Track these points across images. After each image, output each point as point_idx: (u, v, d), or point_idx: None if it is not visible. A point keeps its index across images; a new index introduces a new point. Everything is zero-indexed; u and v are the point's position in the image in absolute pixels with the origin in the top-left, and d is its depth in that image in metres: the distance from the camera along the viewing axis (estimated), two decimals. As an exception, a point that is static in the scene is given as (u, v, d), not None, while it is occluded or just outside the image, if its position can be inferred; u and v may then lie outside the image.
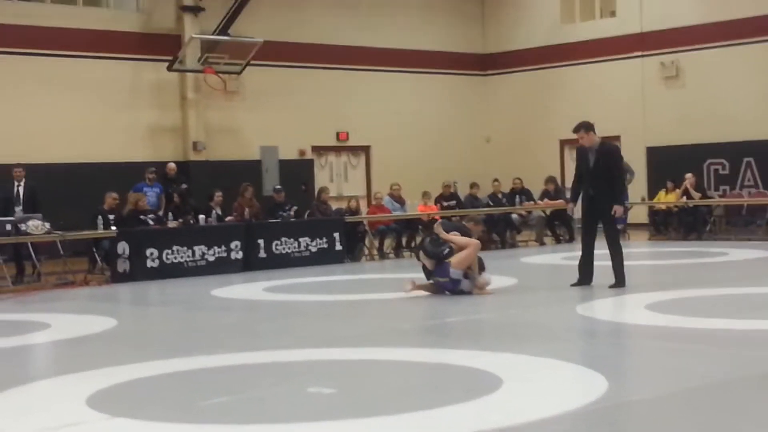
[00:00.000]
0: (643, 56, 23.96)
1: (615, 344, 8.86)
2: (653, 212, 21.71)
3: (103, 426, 6.08)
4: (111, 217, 16.34)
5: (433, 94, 25.70)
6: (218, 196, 18.08)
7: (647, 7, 23.87)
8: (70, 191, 18.87)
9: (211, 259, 16.31)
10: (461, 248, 11.84)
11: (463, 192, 21.15)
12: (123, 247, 15.47)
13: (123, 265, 15.48)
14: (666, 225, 21.52)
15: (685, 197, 20.88)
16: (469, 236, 12.17)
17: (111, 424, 6.11)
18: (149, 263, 15.62)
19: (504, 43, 26.56)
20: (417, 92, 25.33)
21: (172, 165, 19.69)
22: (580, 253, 12.50)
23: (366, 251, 19.04)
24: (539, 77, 25.81)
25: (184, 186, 19.16)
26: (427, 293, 12.07)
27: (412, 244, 19.21)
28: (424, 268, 12.23)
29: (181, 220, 17.30)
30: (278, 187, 19.08)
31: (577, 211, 13.05)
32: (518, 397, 6.49)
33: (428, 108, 25.48)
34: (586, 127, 12.32)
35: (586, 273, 12.34)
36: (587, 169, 12.30)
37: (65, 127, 20.26)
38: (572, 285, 12.36)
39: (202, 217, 17.38)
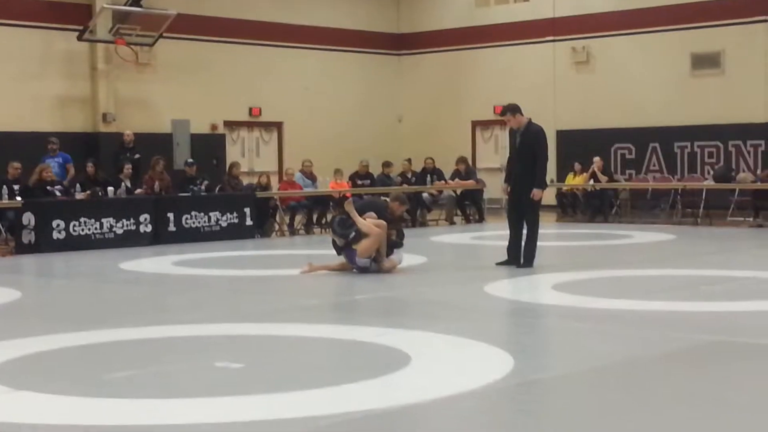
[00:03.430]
0: (554, 41, 24.26)
1: (522, 323, 8.96)
2: (561, 194, 22.05)
3: (6, 399, 5.99)
4: (15, 187, 15.99)
5: (346, 73, 25.68)
6: (128, 168, 17.83)
7: (560, -8, 24.16)
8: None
9: (120, 231, 16.13)
10: (366, 233, 11.76)
11: (374, 170, 21.22)
12: (28, 218, 15.22)
13: (28, 237, 15.22)
14: (573, 207, 21.90)
15: (592, 180, 21.25)
16: (385, 215, 12.09)
17: (14, 397, 6.03)
18: (55, 235, 15.39)
19: (418, 23, 26.65)
20: (331, 70, 25.28)
21: (129, 133, 19.36)
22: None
23: (276, 227, 19.00)
24: (453, 59, 25.96)
25: (137, 156, 18.80)
26: (329, 272, 12.03)
27: (323, 221, 19.26)
28: (334, 243, 12.19)
29: (89, 192, 17.02)
30: (190, 160, 18.90)
31: None
32: (425, 375, 6.54)
33: (342, 86, 25.46)
34: (512, 109, 12.41)
35: (513, 254, 12.37)
36: (512, 151, 12.42)
37: (-30, 95, 19.81)
38: (498, 264, 12.40)
39: (111, 189, 17.12)
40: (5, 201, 15.59)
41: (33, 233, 15.22)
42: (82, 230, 15.72)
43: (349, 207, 12.05)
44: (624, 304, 9.35)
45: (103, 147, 20.60)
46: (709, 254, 14.72)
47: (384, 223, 11.94)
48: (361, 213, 11.98)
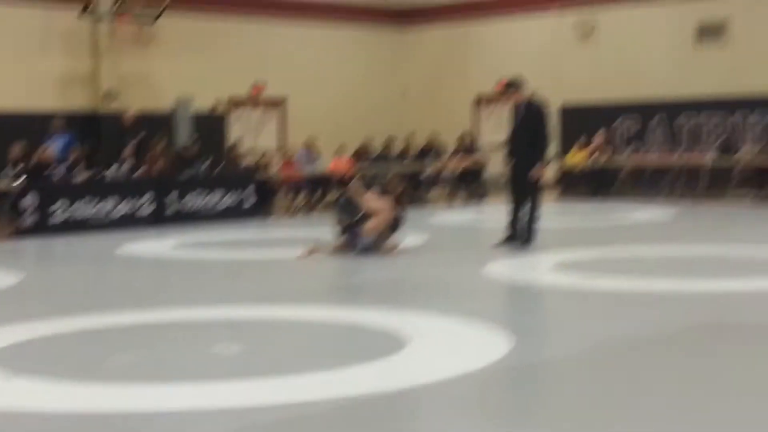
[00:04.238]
0: (559, 14, 24.08)
1: (522, 304, 9.00)
2: (563, 172, 21.96)
3: (5, 384, 6.03)
4: (17, 168, 15.92)
5: (349, 48, 25.56)
6: (130, 148, 17.78)
7: (564, -35, 23.99)
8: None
9: (122, 213, 16.11)
10: (373, 213, 11.80)
11: (378, 145, 21.13)
12: (30, 200, 15.19)
13: (30, 219, 15.20)
14: (575, 183, 21.81)
15: (597, 153, 21.12)
16: (389, 192, 12.07)
17: (13, 382, 6.06)
18: (57, 217, 15.38)
19: (421, -3, 26.50)
20: (334, 46, 25.15)
21: (130, 115, 19.21)
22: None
23: (278, 207, 18.94)
24: (456, 32, 25.82)
25: (143, 134, 18.68)
26: (328, 255, 11.98)
27: (325, 200, 19.21)
28: (338, 223, 12.18)
29: (91, 173, 16.98)
30: (191, 139, 18.85)
31: None
32: (424, 357, 6.54)
33: (345, 62, 25.35)
34: (514, 85, 12.30)
35: (513, 233, 12.26)
36: (514, 127, 12.29)
37: (-31, 75, 19.76)
38: (498, 243, 12.27)
39: (113, 170, 17.08)
40: (6, 182, 15.57)
41: (34, 215, 15.21)
42: (85, 212, 15.70)
43: (354, 186, 12.07)
44: (625, 284, 9.34)
45: (105, 126, 20.53)
46: (712, 231, 14.73)
47: (389, 201, 11.97)
48: (364, 190, 12.02)
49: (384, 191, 12.18)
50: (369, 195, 11.98)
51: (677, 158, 21.31)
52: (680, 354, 6.60)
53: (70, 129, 18.44)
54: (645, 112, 22.75)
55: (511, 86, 12.32)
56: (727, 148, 20.60)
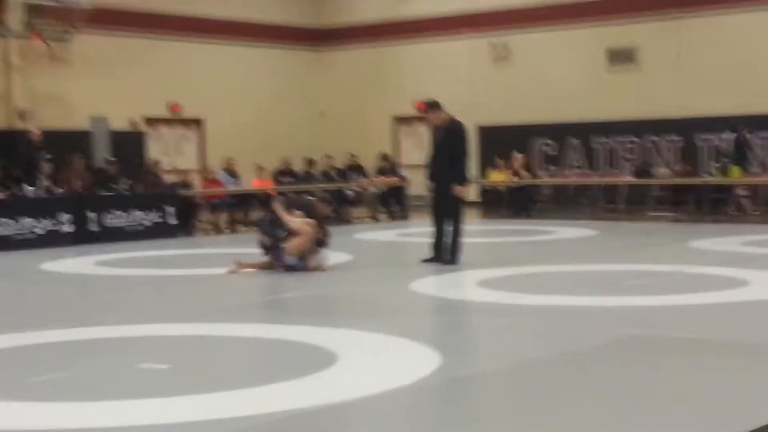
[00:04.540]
0: (475, 36, 24.32)
1: (448, 320, 9.02)
2: (485, 191, 22.13)
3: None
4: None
5: (267, 68, 25.46)
6: (48, 167, 17.44)
7: (481, -14, 24.24)
8: None
9: (40, 232, 15.83)
10: (296, 233, 11.75)
11: (296, 167, 21.08)
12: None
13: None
14: (497, 203, 21.97)
15: (515, 177, 21.37)
16: (314, 213, 12.05)
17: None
18: (-27, 235, 14.99)
19: (339, 17, 26.54)
20: (251, 65, 25.03)
21: (38, 132, 18.79)
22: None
23: (200, 225, 18.77)
24: (374, 53, 25.91)
25: (48, 156, 18.25)
26: (256, 271, 11.92)
27: (247, 219, 19.07)
28: (261, 242, 12.11)
29: (7, 192, 16.63)
30: (111, 158, 18.58)
31: None
32: (352, 373, 6.52)
33: (263, 81, 25.23)
34: (432, 105, 12.38)
35: (437, 251, 12.32)
36: (434, 147, 12.37)
37: None
38: (423, 261, 12.36)
39: (30, 188, 16.76)
40: None
41: None
42: (1, 231, 15.39)
43: (277, 206, 12.00)
44: (548, 300, 9.42)
45: (19, 145, 20.07)
46: (631, 249, 14.85)
47: (313, 221, 11.91)
48: (287, 210, 11.92)
49: (309, 212, 12.08)
50: (293, 215, 11.89)
51: (595, 178, 21.61)
52: (603, 367, 6.66)
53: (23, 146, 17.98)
54: (560, 134, 23.07)
55: (431, 106, 12.41)
56: (643, 169, 20.97)
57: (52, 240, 15.77)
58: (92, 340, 7.87)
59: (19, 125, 20.49)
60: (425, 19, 25.06)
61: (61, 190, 17.13)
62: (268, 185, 19.56)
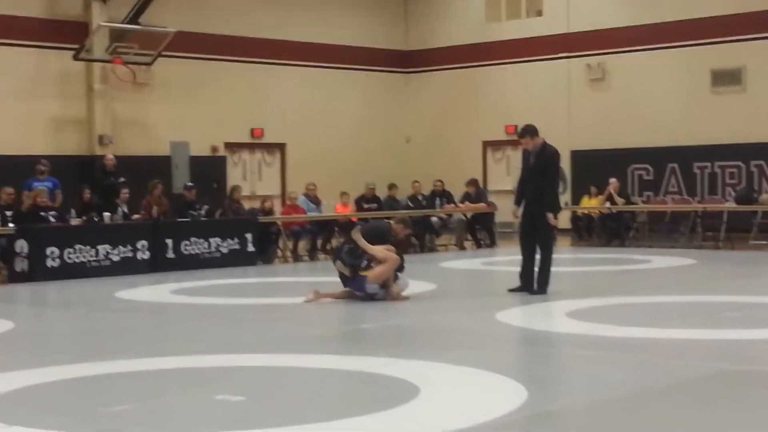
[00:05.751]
0: (569, 57, 23.58)
1: (534, 352, 8.77)
2: (576, 218, 21.33)
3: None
4: (8, 213, 15.61)
5: (352, 91, 24.98)
6: (125, 193, 17.31)
7: (574, 7, 23.52)
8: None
9: (116, 259, 15.68)
10: (379, 261, 11.40)
11: (380, 193, 20.54)
12: (21, 245, 14.85)
13: (21, 264, 14.87)
14: (589, 231, 21.18)
15: (608, 203, 20.53)
16: (390, 239, 11.79)
17: (12, 433, 5.78)
18: (49, 262, 15.00)
19: (427, 40, 25.97)
20: (335, 89, 24.56)
21: (111, 157, 18.72)
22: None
23: (279, 253, 18.35)
24: (463, 76, 25.27)
25: (122, 180, 18.10)
26: (334, 300, 11.60)
27: (328, 247, 18.56)
28: (341, 274, 11.79)
29: (84, 218, 16.41)
30: (189, 184, 18.40)
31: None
32: (435, 407, 6.40)
33: (347, 105, 24.76)
34: (530, 132, 12.15)
35: (525, 280, 12.07)
36: (525, 172, 12.20)
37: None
38: (510, 290, 12.11)
39: (107, 215, 16.56)
40: (-1, 228, 15.19)
41: (26, 261, 14.86)
42: (78, 257, 15.31)
43: (357, 235, 11.73)
44: (639, 332, 9.19)
45: (99, 171, 19.89)
46: (730, 279, 14.57)
47: (394, 248, 11.73)
48: (366, 238, 11.63)
49: (386, 238, 11.88)
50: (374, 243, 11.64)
51: (694, 205, 20.64)
52: (695, 403, 6.52)
53: (62, 172, 17.82)
54: (658, 159, 22.19)
55: (529, 132, 12.17)
56: (746, 195, 19.90)
57: (128, 267, 15.59)
58: (165, 370, 7.80)
59: (99, 151, 20.32)
60: (516, 39, 24.35)
61: (138, 216, 16.82)
62: (351, 211, 19.04)
